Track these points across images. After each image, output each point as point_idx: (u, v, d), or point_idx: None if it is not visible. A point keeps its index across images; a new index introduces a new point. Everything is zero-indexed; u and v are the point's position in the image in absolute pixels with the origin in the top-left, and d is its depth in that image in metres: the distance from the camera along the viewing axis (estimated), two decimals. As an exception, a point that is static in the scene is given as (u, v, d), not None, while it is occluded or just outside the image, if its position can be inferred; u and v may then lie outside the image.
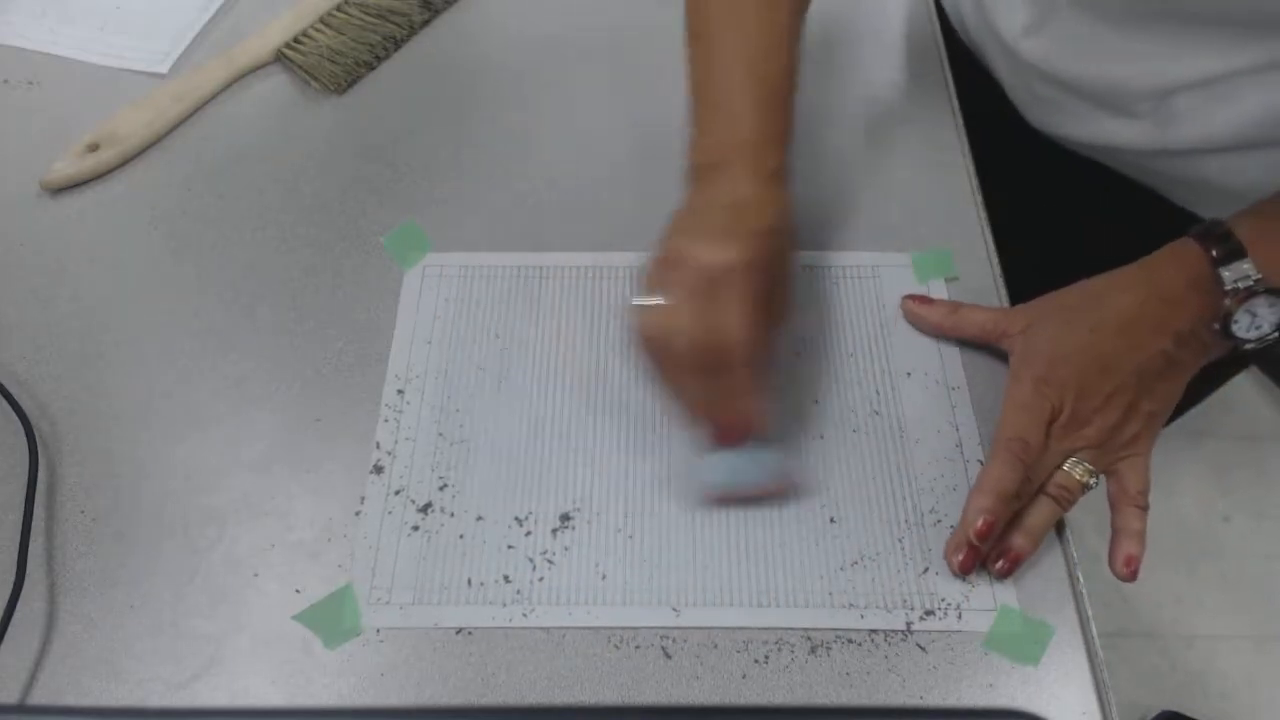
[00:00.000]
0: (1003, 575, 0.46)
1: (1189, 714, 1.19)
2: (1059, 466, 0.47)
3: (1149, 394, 0.47)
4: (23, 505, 0.47)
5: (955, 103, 0.65)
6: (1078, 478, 0.47)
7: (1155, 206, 0.62)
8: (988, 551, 0.46)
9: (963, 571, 0.45)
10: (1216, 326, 0.46)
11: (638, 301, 0.46)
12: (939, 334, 0.54)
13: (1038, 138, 0.65)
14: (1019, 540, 0.46)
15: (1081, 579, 0.46)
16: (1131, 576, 0.46)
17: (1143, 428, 0.48)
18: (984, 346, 0.53)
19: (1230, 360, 0.72)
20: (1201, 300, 0.46)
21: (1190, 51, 0.50)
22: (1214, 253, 0.46)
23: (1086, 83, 0.56)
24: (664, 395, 0.49)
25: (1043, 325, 0.49)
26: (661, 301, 0.45)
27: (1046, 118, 0.63)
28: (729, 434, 0.47)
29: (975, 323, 0.52)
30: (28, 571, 0.46)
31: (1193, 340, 0.47)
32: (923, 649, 0.44)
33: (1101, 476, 0.48)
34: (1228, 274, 0.45)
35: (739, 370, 0.44)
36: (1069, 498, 0.47)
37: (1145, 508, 0.47)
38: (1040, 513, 0.46)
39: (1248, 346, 0.46)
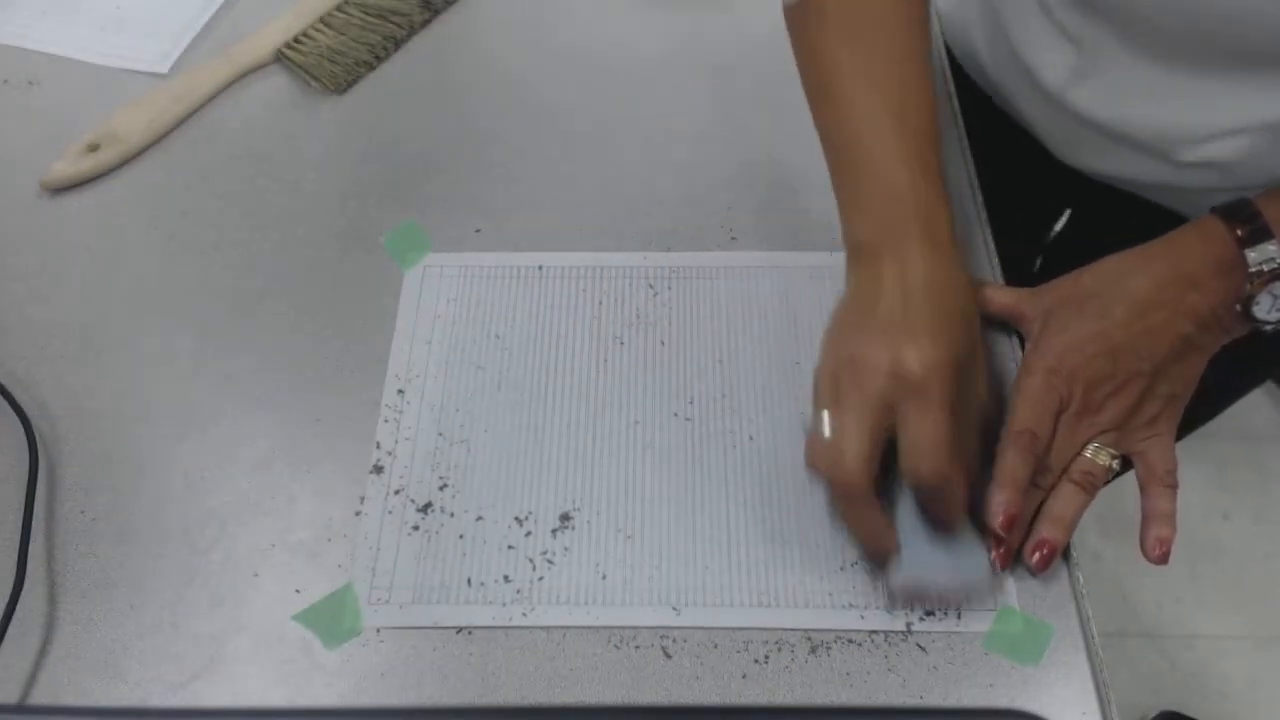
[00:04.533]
0: (1040, 568, 0.45)
1: (1189, 714, 1.19)
2: (1080, 453, 0.47)
3: (1165, 377, 0.47)
4: (23, 505, 0.47)
5: (956, 103, 0.65)
6: (1102, 462, 0.47)
7: (1161, 213, 0.62)
8: (1019, 544, 0.46)
9: (1001, 568, 0.45)
10: (1238, 308, 0.46)
11: (813, 426, 0.44)
12: None
13: (1047, 158, 0.64)
14: (1048, 530, 0.45)
15: (1081, 579, 0.46)
16: (1163, 559, 0.46)
17: (1162, 409, 0.47)
18: (995, 327, 0.53)
19: (1249, 376, 0.72)
20: (1224, 281, 0.46)
21: (1244, 95, 0.50)
22: (1239, 232, 0.45)
23: (1132, 128, 0.55)
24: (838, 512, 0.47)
25: (1058, 312, 0.49)
26: (831, 426, 0.43)
27: (1077, 154, 0.62)
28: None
29: (997, 303, 0.52)
30: (28, 571, 0.46)
31: (1214, 323, 0.47)
32: (923, 649, 0.44)
33: (1121, 459, 0.48)
34: (1253, 255, 0.45)
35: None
36: (1094, 483, 0.46)
37: (1174, 487, 0.47)
38: (1066, 501, 0.46)
39: (1268, 328, 0.46)
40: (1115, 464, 0.47)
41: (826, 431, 0.43)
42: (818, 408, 0.44)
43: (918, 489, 0.43)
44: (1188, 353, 0.47)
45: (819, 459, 0.44)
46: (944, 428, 0.41)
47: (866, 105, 0.47)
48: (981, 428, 0.46)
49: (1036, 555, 0.45)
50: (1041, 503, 0.47)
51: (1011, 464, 0.46)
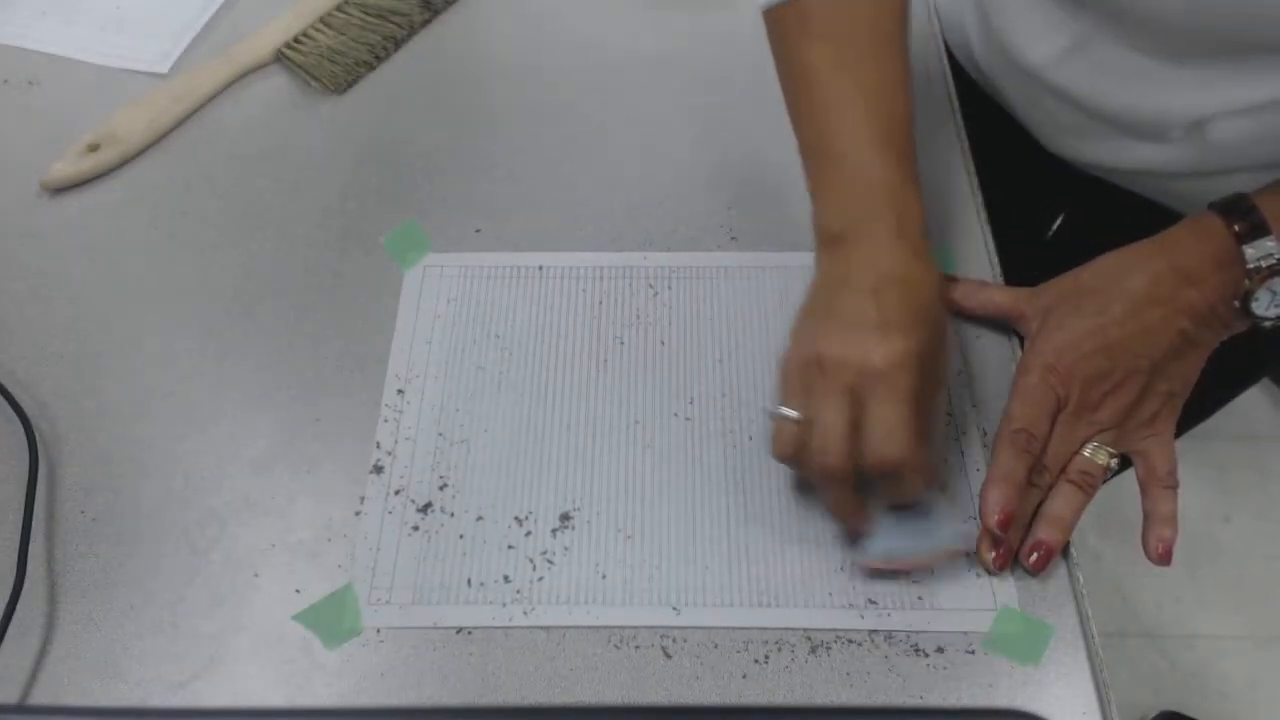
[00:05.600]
0: (1037, 569, 0.45)
1: (1189, 714, 1.19)
2: (1078, 452, 0.47)
3: (1163, 375, 0.47)
4: (23, 505, 0.47)
5: (955, 103, 0.65)
6: (1100, 461, 0.47)
7: (1156, 210, 0.62)
8: (1017, 545, 0.46)
9: (999, 568, 0.45)
10: (1236, 304, 0.46)
11: (776, 412, 0.44)
12: (960, 312, 0.54)
13: (1043, 155, 0.64)
14: (1045, 531, 0.45)
15: (1081, 579, 0.46)
16: (1165, 559, 0.46)
17: (1161, 407, 0.47)
18: (994, 328, 0.54)
19: (1246, 373, 0.72)
20: (1222, 277, 0.46)
21: (1230, 79, 0.49)
22: (1237, 228, 0.45)
23: (1118, 110, 0.55)
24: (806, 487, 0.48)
25: (1056, 310, 0.49)
26: (797, 416, 0.43)
27: (1066, 143, 0.62)
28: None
29: (995, 303, 0.53)
30: (28, 571, 0.46)
31: (1213, 320, 0.46)
32: (922, 649, 0.44)
33: (1120, 458, 0.48)
34: (1251, 251, 0.45)
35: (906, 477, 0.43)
36: (1092, 482, 0.46)
37: (1174, 487, 0.47)
38: (1064, 501, 0.46)
39: (1266, 325, 0.46)
40: (1114, 463, 0.47)
41: (796, 418, 0.44)
42: (786, 398, 0.45)
43: (880, 470, 0.43)
44: (1186, 350, 0.47)
45: (792, 445, 0.44)
46: (906, 414, 0.42)
47: (840, 93, 0.47)
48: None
49: (1034, 556, 0.45)
50: (1040, 503, 0.46)
51: (1007, 463, 0.46)
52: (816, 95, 0.48)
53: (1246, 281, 0.45)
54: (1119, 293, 0.47)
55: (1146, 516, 0.47)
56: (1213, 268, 0.46)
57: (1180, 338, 0.46)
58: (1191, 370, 0.48)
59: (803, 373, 0.44)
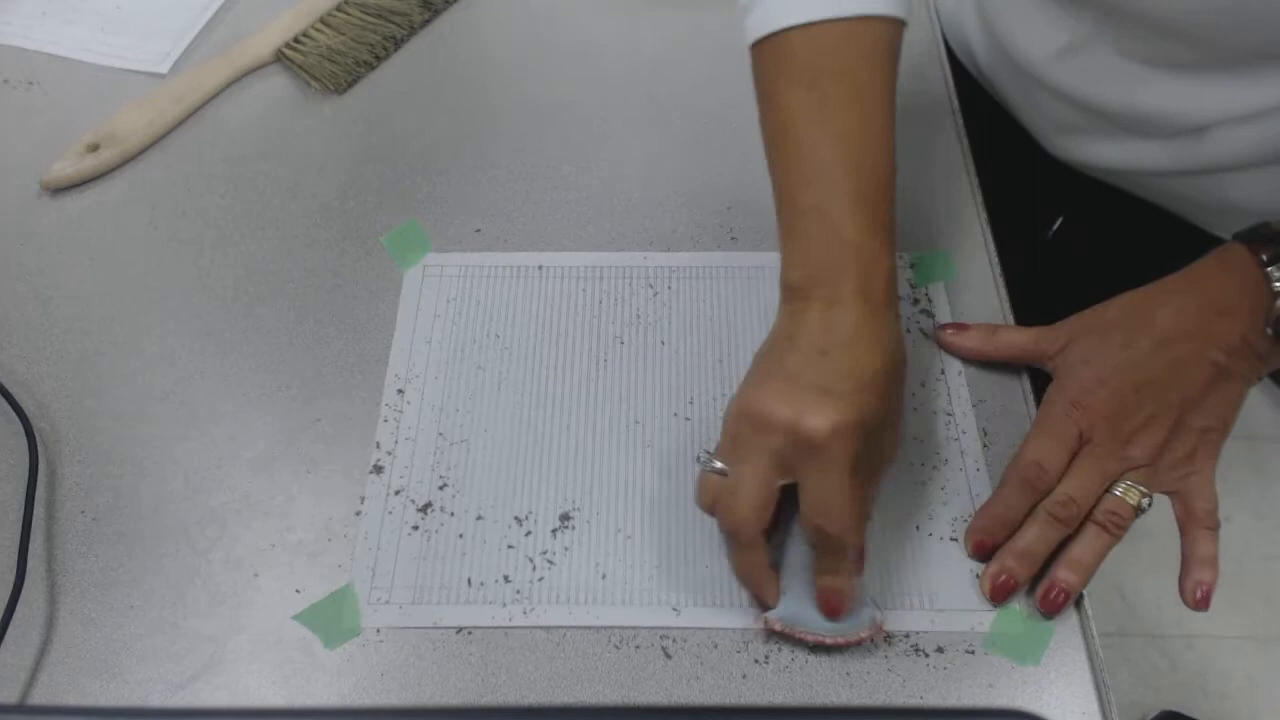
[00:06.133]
0: (1050, 612, 0.44)
1: (1189, 714, 1.19)
2: (1108, 491, 0.45)
3: (1197, 409, 0.45)
4: (23, 505, 0.47)
5: (955, 103, 0.65)
6: (1130, 502, 0.45)
7: (1155, 211, 0.62)
8: (1021, 579, 0.44)
9: (997, 602, 0.45)
10: (1269, 331, 0.44)
11: (703, 462, 0.43)
12: (977, 360, 0.52)
13: (1043, 155, 0.64)
14: (1064, 574, 0.44)
15: (1081, 579, 0.46)
16: (1204, 605, 0.44)
17: (1198, 443, 0.45)
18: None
19: None
20: (1253, 304, 0.45)
21: (1229, 86, 0.49)
22: (1263, 256, 0.45)
23: (1118, 111, 0.55)
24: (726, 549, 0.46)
25: (1080, 344, 0.48)
26: (722, 468, 0.42)
27: (1066, 142, 0.62)
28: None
29: (1014, 344, 0.51)
30: (28, 571, 0.46)
31: (1246, 350, 0.45)
32: (922, 649, 0.44)
33: (1155, 498, 0.46)
34: (1277, 273, 0.44)
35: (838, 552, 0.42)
36: (1120, 524, 0.44)
37: (1215, 527, 0.45)
38: (1088, 543, 0.44)
39: None
40: (1145, 503, 0.45)
41: (721, 469, 0.43)
42: (719, 449, 0.43)
43: (816, 544, 0.42)
44: (1221, 383, 0.45)
45: (709, 499, 0.43)
46: (845, 488, 0.40)
47: (821, 151, 0.45)
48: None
49: (1052, 595, 0.44)
50: (1065, 542, 0.45)
51: (1005, 494, 0.45)
52: (792, 144, 0.46)
53: (1276, 303, 0.44)
54: (1146, 327, 0.46)
55: (1184, 559, 0.45)
56: (1241, 296, 0.45)
57: (1214, 370, 0.45)
58: (1230, 405, 0.46)
59: (736, 426, 0.43)
